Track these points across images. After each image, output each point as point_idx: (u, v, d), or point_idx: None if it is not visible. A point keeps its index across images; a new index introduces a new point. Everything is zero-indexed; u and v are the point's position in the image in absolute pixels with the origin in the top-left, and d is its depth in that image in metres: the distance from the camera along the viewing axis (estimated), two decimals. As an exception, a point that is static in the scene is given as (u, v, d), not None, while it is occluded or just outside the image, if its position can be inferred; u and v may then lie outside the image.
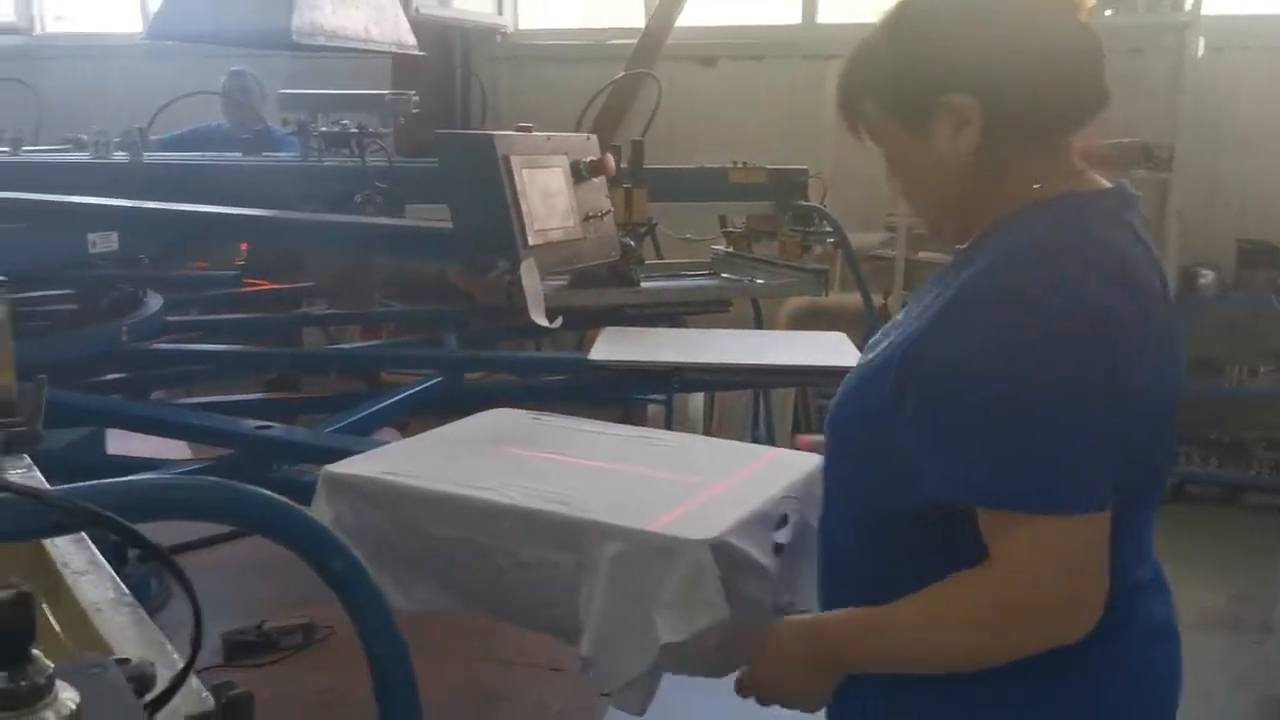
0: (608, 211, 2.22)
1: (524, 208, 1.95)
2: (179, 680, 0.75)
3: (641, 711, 1.32)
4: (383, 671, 0.79)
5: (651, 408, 3.73)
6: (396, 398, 2.53)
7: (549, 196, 2.04)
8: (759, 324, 3.78)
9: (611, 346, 2.54)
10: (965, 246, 1.17)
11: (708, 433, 3.76)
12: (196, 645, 0.76)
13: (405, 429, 2.96)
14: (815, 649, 1.16)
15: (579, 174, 2.15)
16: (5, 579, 0.67)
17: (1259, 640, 3.24)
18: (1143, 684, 1.13)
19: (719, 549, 1.28)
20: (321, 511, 1.48)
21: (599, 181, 2.22)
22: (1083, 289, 1.02)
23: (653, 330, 3.02)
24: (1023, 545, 1.01)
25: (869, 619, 1.13)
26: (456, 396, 2.70)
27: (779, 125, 5.11)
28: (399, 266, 3.59)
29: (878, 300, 3.98)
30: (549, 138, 2.14)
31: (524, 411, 1.89)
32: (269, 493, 0.79)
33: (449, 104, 5.65)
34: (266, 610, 3.21)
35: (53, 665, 0.66)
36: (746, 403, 3.77)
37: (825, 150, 4.95)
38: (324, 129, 3.55)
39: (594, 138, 2.35)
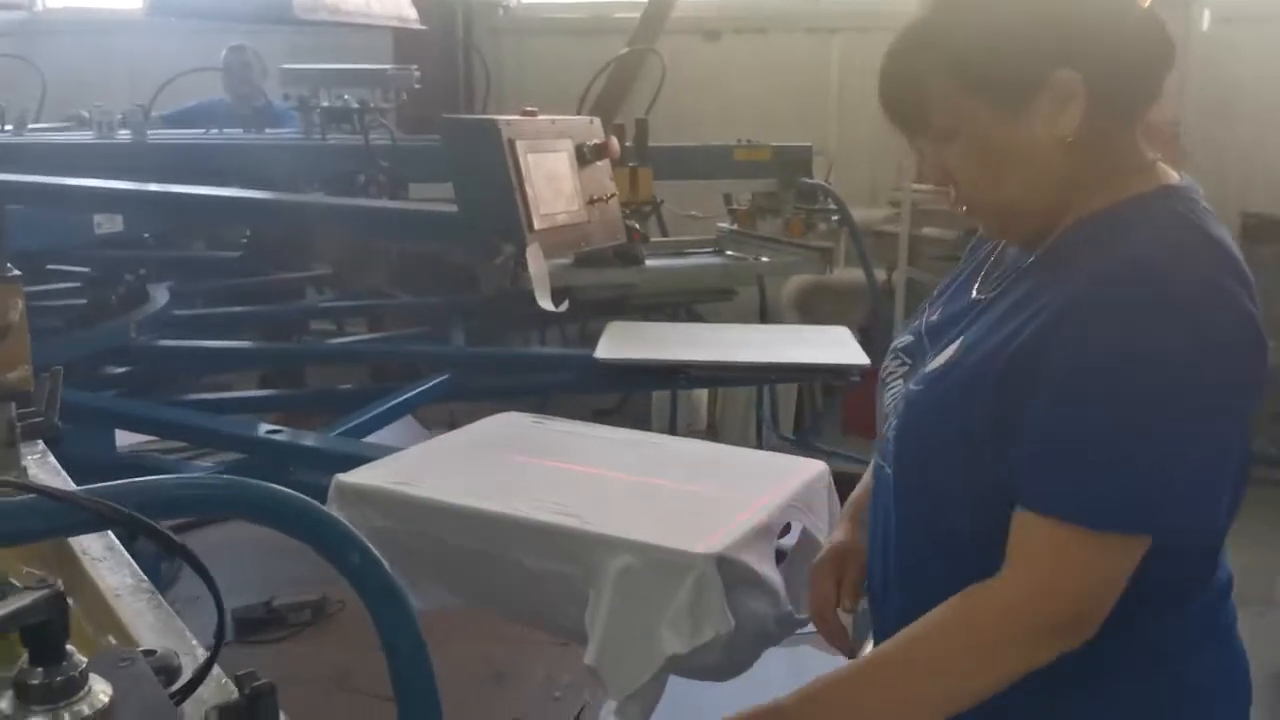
0: (613, 195, 2.23)
1: (529, 192, 1.96)
2: (203, 672, 0.78)
3: None
4: (400, 664, 0.81)
5: (656, 394, 3.75)
6: (404, 397, 2.54)
7: (554, 180, 2.05)
8: (763, 300, 3.79)
9: (617, 343, 2.53)
10: (1050, 244, 1.07)
11: (711, 422, 3.79)
12: (220, 639, 0.79)
13: (413, 412, 2.98)
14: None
15: (583, 157, 2.16)
16: (40, 577, 0.69)
17: (1260, 612, 3.27)
18: (1244, 668, 1.14)
19: (723, 563, 1.31)
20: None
21: (603, 164, 2.23)
22: (1234, 295, 0.97)
23: (657, 325, 3.02)
24: (1071, 558, 0.96)
25: (849, 672, 1.06)
26: (464, 390, 2.73)
27: (783, 100, 5.10)
28: (403, 249, 3.60)
29: (880, 276, 4.00)
30: (553, 121, 2.15)
31: (529, 416, 1.90)
32: (288, 490, 0.81)
33: (451, 79, 5.63)
34: (276, 587, 3.24)
35: (86, 660, 0.69)
36: (750, 393, 3.79)
37: (830, 125, 4.95)
38: (325, 104, 3.55)
39: (598, 121, 2.36)
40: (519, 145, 1.95)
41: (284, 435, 2.16)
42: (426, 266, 3.72)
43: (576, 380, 2.77)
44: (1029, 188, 1.04)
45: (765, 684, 1.41)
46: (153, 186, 2.51)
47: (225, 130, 3.69)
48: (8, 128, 3.36)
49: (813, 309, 4.47)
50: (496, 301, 3.30)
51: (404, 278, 3.87)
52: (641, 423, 3.68)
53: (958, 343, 1.08)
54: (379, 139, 3.15)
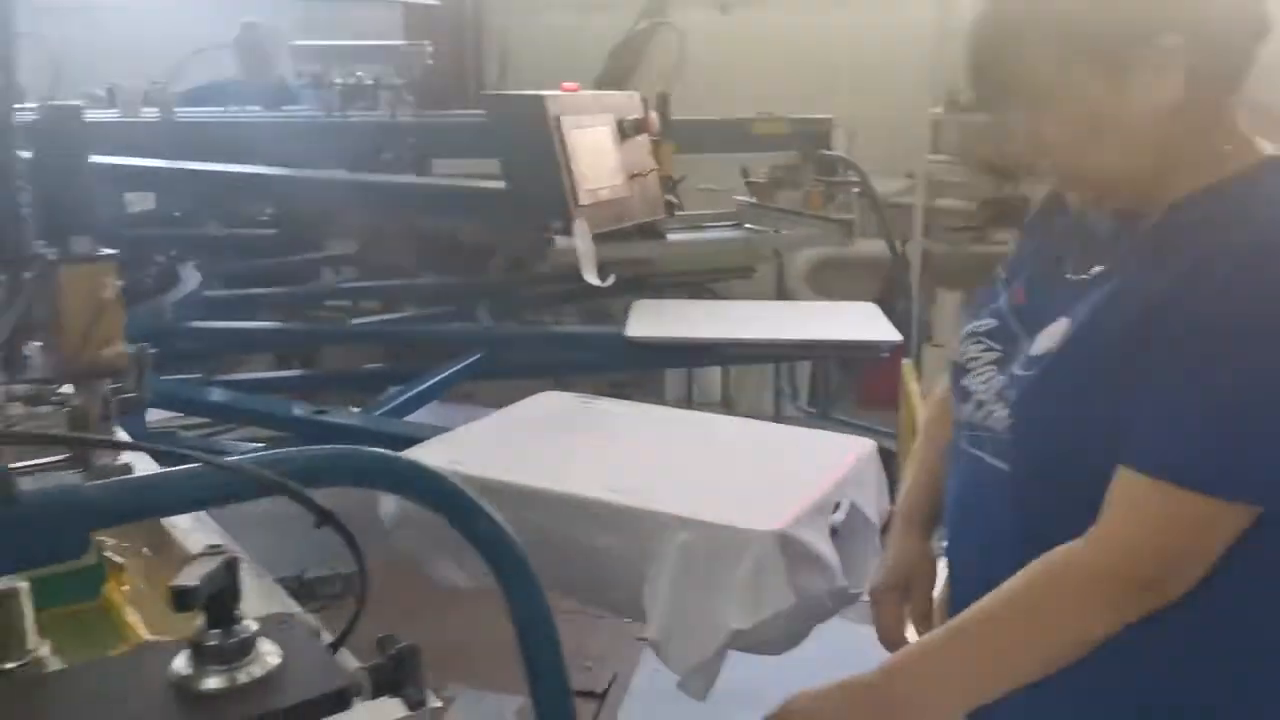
0: (652, 169, 2.25)
1: (574, 168, 1.97)
2: (347, 631, 0.81)
3: (704, 695, 1.37)
4: (526, 630, 0.85)
5: (670, 369, 3.77)
6: (441, 376, 2.55)
7: (597, 156, 2.06)
8: (780, 272, 3.81)
9: (646, 321, 2.55)
10: (1161, 220, 1.04)
11: (725, 396, 3.82)
12: (361, 602, 0.82)
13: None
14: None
15: (624, 132, 2.17)
16: (211, 545, 0.72)
17: None
18: None
19: (783, 540, 1.34)
20: (388, 499, 1.53)
21: (643, 139, 2.24)
22: None
23: (683, 303, 3.04)
24: (1175, 519, 0.96)
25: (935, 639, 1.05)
26: (495, 369, 2.76)
27: (794, 72, 5.08)
28: (422, 228, 3.60)
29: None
30: (595, 96, 2.16)
31: (575, 395, 1.92)
32: (421, 463, 0.85)
33: (461, 54, 5.61)
34: (305, 560, 3.26)
35: (257, 623, 0.72)
36: (764, 367, 3.82)
37: (842, 96, 4.93)
38: (339, 81, 3.55)
39: (637, 96, 2.37)
40: (564, 121, 1.97)
41: (331, 416, 2.18)
42: (443, 246, 3.73)
43: (606, 358, 2.79)
44: (1127, 156, 1.02)
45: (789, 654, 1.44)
46: (194, 164, 2.52)
47: (246, 107, 3.69)
48: (30, 106, 3.34)
49: (826, 284, 4.49)
50: (517, 279, 3.31)
51: (420, 257, 3.87)
52: (655, 397, 3.71)
53: (1063, 324, 1.06)
54: (402, 115, 3.15)
